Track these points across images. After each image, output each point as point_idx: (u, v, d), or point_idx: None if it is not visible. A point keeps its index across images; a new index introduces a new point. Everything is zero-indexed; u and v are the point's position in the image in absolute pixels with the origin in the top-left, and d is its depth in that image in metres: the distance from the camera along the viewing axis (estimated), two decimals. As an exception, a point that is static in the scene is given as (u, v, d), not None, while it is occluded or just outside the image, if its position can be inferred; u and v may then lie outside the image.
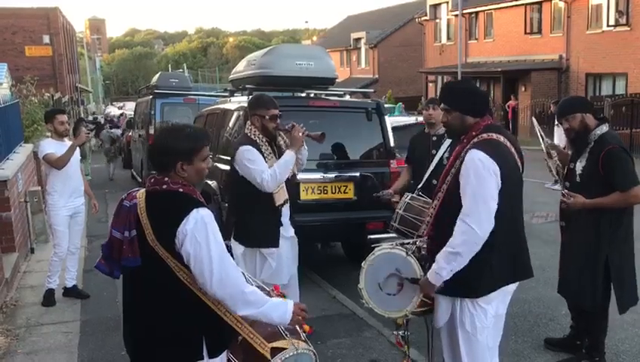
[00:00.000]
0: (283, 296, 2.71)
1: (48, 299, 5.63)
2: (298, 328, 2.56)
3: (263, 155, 4.21)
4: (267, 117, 4.26)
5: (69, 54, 32.87)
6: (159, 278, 2.34)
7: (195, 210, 2.30)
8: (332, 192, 5.91)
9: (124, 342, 2.54)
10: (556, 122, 12.90)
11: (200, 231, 2.27)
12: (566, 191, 4.04)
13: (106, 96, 66.11)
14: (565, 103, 4.22)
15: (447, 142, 5.08)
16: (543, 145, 4.50)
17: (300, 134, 4.22)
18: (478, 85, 3.74)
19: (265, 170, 4.12)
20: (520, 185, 3.08)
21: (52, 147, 5.57)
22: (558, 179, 4.24)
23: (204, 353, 2.37)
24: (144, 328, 2.41)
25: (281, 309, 2.41)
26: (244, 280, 2.41)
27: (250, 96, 5.17)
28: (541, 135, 4.61)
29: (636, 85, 18.92)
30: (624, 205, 3.87)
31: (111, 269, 2.44)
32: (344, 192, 5.94)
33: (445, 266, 2.88)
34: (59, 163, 5.51)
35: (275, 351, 2.43)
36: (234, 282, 2.31)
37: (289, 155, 4.21)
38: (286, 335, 2.49)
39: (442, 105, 3.16)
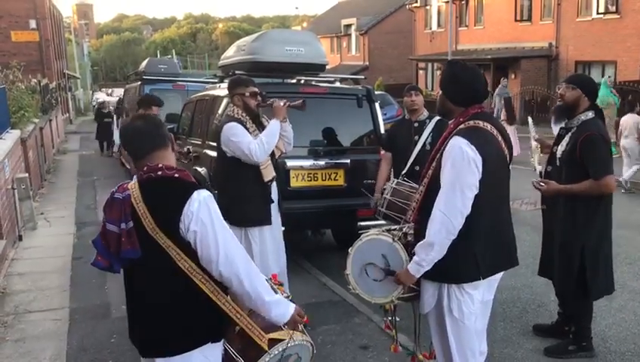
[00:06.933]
0: (280, 284, 2.70)
1: None
2: None
3: (248, 131, 4.30)
4: (247, 94, 4.39)
5: (56, 40, 32.40)
6: (159, 269, 2.30)
7: (196, 192, 2.29)
8: (322, 179, 5.89)
9: (129, 334, 2.51)
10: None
11: (204, 212, 2.27)
12: (538, 179, 4.08)
13: (94, 83, 65.43)
14: (578, 75, 4.41)
15: (430, 127, 5.08)
16: (532, 143, 4.46)
17: (282, 104, 4.35)
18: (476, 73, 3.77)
19: (252, 141, 4.23)
20: (505, 174, 3.07)
21: None
22: (538, 170, 4.28)
23: (201, 341, 2.35)
24: (148, 319, 2.38)
25: (281, 308, 2.40)
26: (250, 260, 2.40)
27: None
28: (533, 135, 4.55)
29: (625, 73, 18.97)
30: (596, 192, 3.87)
31: (110, 264, 2.38)
32: (334, 179, 5.93)
33: (424, 257, 2.89)
34: None
35: (273, 342, 2.41)
36: (240, 260, 2.31)
37: (274, 123, 4.33)
38: (284, 326, 2.47)
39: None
